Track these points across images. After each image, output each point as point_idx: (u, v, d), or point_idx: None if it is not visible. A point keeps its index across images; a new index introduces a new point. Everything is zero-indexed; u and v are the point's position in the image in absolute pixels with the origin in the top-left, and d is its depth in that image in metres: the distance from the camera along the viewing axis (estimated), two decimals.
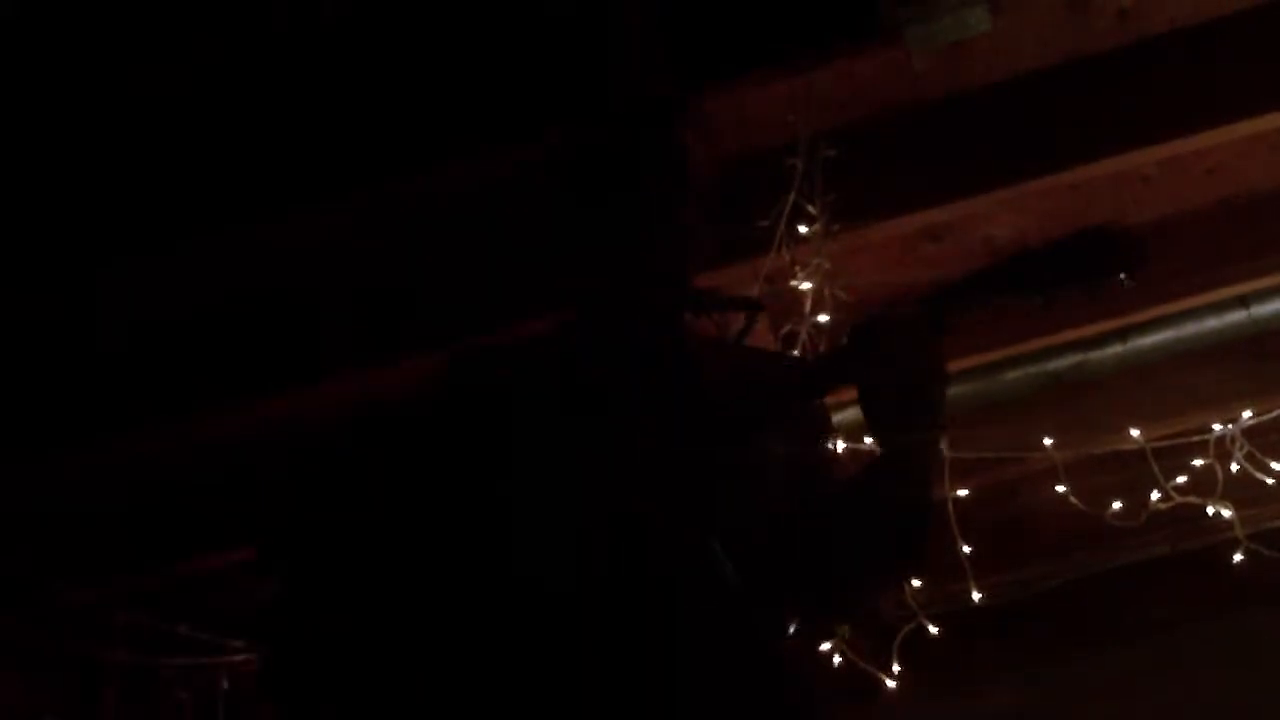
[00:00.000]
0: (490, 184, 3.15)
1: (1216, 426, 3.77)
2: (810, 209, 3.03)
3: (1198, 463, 3.76)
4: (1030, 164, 3.11)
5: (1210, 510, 3.79)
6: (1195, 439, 3.77)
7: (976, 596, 3.71)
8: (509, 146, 3.00)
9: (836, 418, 3.58)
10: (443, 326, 3.22)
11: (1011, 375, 3.73)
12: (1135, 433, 3.74)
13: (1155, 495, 3.76)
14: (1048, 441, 3.76)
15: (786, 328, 3.31)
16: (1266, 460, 3.74)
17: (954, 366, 3.59)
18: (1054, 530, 4.04)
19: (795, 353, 2.85)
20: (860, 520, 1.83)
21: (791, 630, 1.91)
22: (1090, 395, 3.81)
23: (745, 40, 2.86)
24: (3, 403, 3.35)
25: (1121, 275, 1.88)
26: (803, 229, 3.05)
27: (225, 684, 4.26)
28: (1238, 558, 3.82)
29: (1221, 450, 3.76)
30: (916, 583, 3.70)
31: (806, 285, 3.06)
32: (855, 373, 1.85)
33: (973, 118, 3.14)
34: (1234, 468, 3.75)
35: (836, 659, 3.67)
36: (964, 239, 3.47)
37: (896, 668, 3.75)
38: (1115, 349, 3.67)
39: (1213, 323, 3.66)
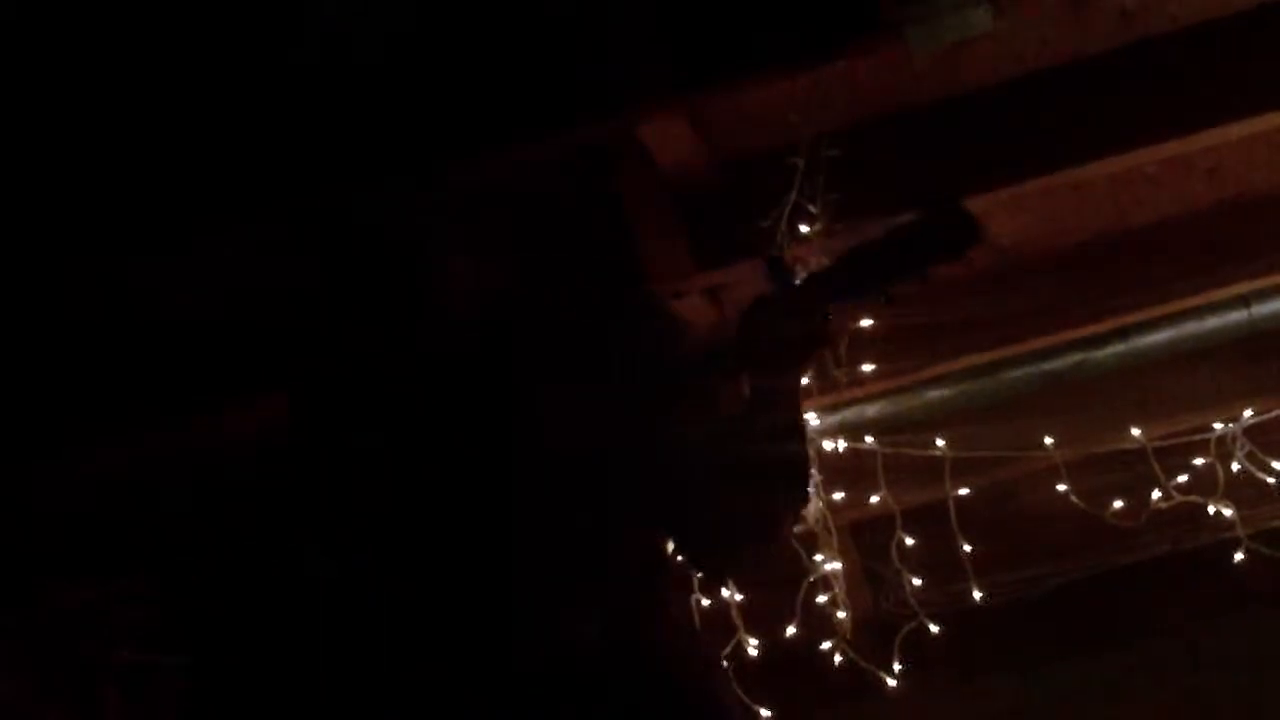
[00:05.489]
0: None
1: (1217, 426, 3.78)
2: (811, 208, 3.03)
3: (1199, 462, 3.77)
4: (1030, 164, 3.11)
5: (1211, 510, 3.79)
6: (1196, 438, 3.78)
7: (977, 596, 3.72)
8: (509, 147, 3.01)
9: (834, 418, 3.61)
10: None
11: (1012, 374, 3.72)
12: (1136, 432, 3.75)
13: (1156, 495, 3.77)
14: (1048, 441, 3.76)
15: None
16: (1267, 459, 3.75)
17: (955, 365, 3.64)
18: (1054, 530, 4.04)
19: None
20: (736, 464, 1.92)
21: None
22: (1091, 394, 3.80)
23: (745, 40, 2.85)
24: (3, 403, 3.35)
25: (960, 254, 1.88)
26: (804, 228, 3.06)
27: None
28: (1239, 557, 3.83)
29: (1222, 449, 3.76)
30: (917, 581, 3.71)
31: None
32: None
33: (973, 118, 3.14)
34: (1235, 467, 3.75)
35: (838, 658, 3.67)
36: None
37: (897, 666, 3.76)
38: (1116, 348, 3.67)
39: (1214, 322, 3.65)
